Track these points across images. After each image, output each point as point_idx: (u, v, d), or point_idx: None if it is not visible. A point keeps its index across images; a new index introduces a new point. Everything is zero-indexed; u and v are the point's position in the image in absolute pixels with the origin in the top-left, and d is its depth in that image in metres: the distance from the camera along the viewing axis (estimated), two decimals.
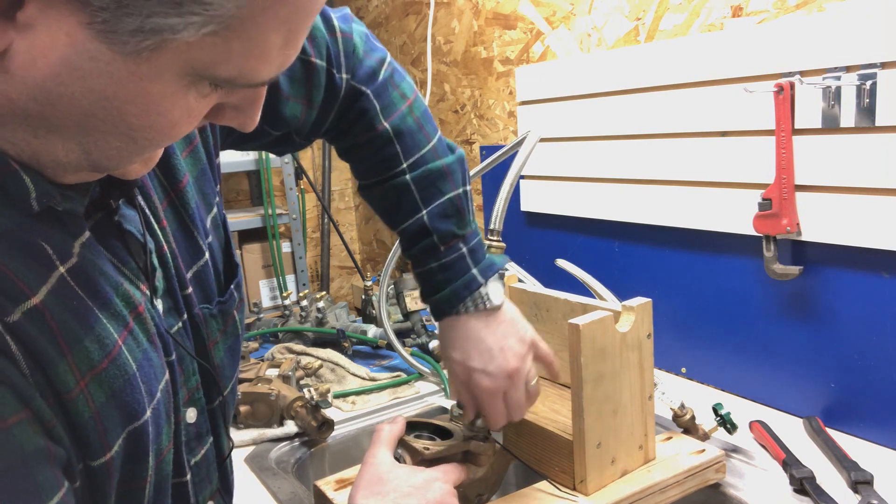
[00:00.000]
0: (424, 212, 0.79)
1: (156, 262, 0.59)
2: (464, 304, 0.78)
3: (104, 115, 0.42)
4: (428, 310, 0.84)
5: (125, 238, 0.56)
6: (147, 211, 0.60)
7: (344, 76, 0.76)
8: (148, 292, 0.57)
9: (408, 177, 0.80)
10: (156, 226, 0.60)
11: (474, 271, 0.78)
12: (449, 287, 0.78)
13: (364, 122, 0.79)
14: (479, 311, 0.78)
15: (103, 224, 0.55)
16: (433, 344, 1.47)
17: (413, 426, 0.85)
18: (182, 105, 0.44)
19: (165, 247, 0.61)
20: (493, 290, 0.79)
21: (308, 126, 0.78)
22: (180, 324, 0.62)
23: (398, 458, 0.78)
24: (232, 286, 0.69)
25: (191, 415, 0.63)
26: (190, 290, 0.64)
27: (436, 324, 0.83)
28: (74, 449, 0.49)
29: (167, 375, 0.57)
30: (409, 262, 0.83)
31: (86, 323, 0.49)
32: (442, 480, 0.72)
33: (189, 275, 0.64)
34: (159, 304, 0.59)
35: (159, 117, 0.44)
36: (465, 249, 0.79)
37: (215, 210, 0.69)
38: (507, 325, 0.79)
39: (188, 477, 0.63)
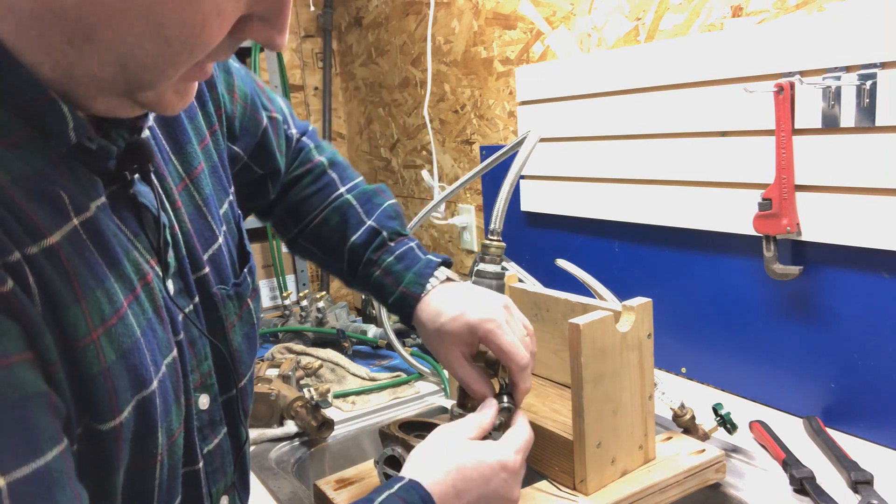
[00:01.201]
0: (370, 221, 0.88)
1: (168, 237, 0.60)
2: (430, 282, 0.82)
3: (136, 8, 0.43)
4: (397, 318, 0.86)
5: (139, 211, 0.57)
6: (161, 190, 0.61)
7: (293, 131, 0.90)
8: (157, 267, 0.57)
9: (348, 195, 0.90)
10: (169, 206, 0.61)
11: (428, 256, 0.85)
12: (411, 271, 0.83)
13: (302, 157, 0.91)
14: (445, 283, 0.83)
15: (118, 196, 0.55)
16: None
17: (413, 426, 0.85)
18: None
19: (177, 227, 0.62)
20: (450, 272, 0.84)
21: (280, 173, 0.87)
22: (191, 306, 0.62)
23: (398, 458, 0.78)
24: (245, 270, 0.71)
25: (203, 401, 0.63)
26: (207, 270, 0.65)
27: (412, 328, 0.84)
28: (78, 408, 0.48)
29: (174, 352, 0.57)
30: (360, 282, 0.87)
31: (96, 276, 0.49)
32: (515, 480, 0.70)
33: (205, 257, 0.65)
34: (170, 284, 0.59)
35: (191, 10, 0.44)
36: (412, 244, 0.87)
37: (227, 206, 0.71)
38: (476, 287, 0.83)
39: (200, 465, 0.62)
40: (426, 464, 0.66)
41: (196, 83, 0.53)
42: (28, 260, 0.44)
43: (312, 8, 2.46)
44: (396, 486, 0.61)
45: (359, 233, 0.87)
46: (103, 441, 0.50)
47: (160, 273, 0.58)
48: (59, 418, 0.45)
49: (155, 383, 0.53)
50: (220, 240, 0.68)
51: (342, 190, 0.91)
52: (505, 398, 0.76)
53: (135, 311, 0.53)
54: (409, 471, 0.65)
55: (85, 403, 0.48)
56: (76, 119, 0.48)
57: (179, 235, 0.62)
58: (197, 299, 0.63)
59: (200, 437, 0.63)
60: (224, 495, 0.68)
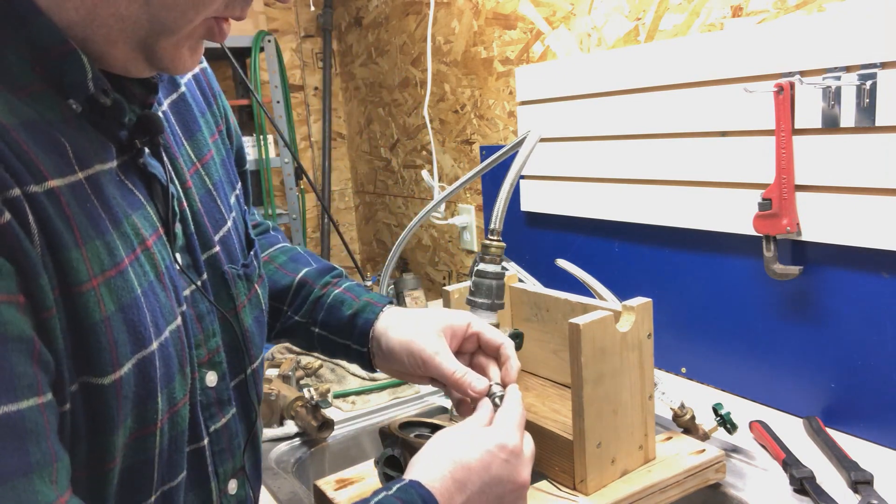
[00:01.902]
0: (321, 265, 0.88)
1: (176, 209, 0.60)
2: (388, 304, 0.83)
3: None
4: (355, 326, 0.82)
5: (149, 182, 0.58)
6: (172, 169, 0.62)
7: None
8: (164, 237, 0.58)
9: (297, 246, 0.92)
10: (179, 186, 0.62)
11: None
12: (372, 293, 0.84)
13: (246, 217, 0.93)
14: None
15: (128, 165, 0.56)
16: None
17: (412, 425, 0.84)
18: None
19: (186, 204, 0.63)
20: None
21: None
22: (199, 282, 0.63)
23: (398, 458, 0.78)
24: (251, 253, 0.72)
25: (211, 378, 0.63)
26: (217, 249, 0.65)
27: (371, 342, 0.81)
28: (76, 362, 0.47)
29: (178, 321, 0.57)
30: (310, 306, 0.85)
31: (97, 227, 0.50)
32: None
33: (216, 238, 0.66)
34: (178, 257, 0.60)
35: None
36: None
37: (234, 199, 0.73)
38: None
39: (205, 442, 0.62)
40: (423, 464, 0.64)
41: (203, 47, 0.55)
42: (29, 198, 0.44)
43: (312, 8, 2.46)
44: (395, 488, 0.60)
45: (311, 267, 0.87)
46: (103, 396, 0.49)
47: (166, 242, 0.58)
48: (44, 371, 0.44)
49: (155, 345, 0.53)
50: (230, 223, 0.69)
51: (288, 244, 0.92)
52: (494, 388, 0.73)
53: (136, 271, 0.53)
54: (408, 474, 0.64)
55: (84, 356, 0.47)
56: (94, 70, 0.49)
57: (188, 212, 0.63)
58: (205, 276, 0.64)
59: (207, 414, 0.63)
60: (233, 478, 0.67)
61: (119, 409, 0.50)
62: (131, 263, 0.52)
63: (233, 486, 0.67)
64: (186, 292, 0.61)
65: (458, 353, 0.76)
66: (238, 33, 2.20)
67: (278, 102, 2.27)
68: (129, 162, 0.56)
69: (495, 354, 0.77)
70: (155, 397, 0.53)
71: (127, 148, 0.56)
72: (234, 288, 0.67)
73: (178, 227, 0.61)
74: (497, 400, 0.71)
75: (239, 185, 0.75)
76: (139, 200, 0.56)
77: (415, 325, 0.77)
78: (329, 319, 0.83)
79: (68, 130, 0.49)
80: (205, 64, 0.74)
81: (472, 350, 0.79)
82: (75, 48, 0.48)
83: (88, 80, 0.49)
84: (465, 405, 0.75)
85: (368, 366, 0.82)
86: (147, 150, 0.58)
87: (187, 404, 0.58)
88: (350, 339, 0.81)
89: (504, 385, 0.74)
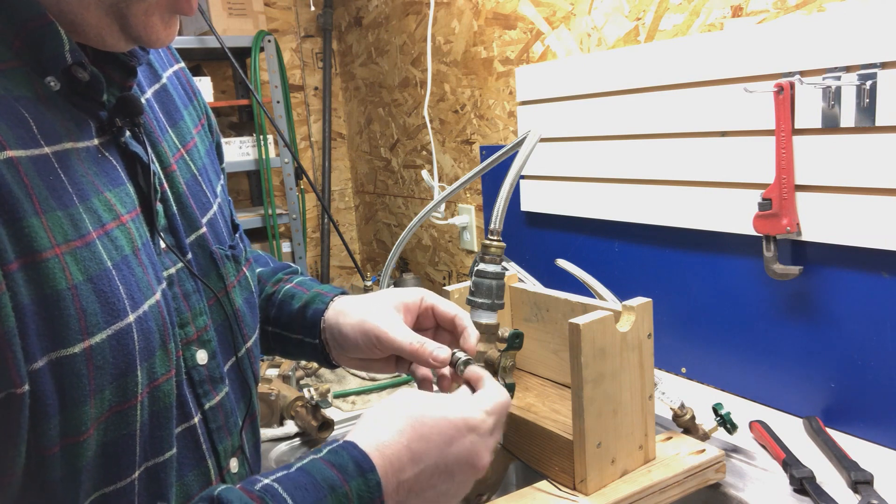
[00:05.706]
0: (277, 264, 0.91)
1: (157, 187, 0.60)
2: (340, 294, 0.81)
3: None
4: (307, 312, 0.80)
5: (131, 161, 0.58)
6: (154, 153, 0.62)
7: None
8: (141, 214, 0.58)
9: (257, 250, 0.96)
10: (161, 169, 0.63)
11: None
12: (323, 285, 0.83)
13: None
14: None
15: (110, 145, 0.57)
16: None
17: None
18: None
19: (167, 186, 0.63)
20: None
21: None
22: (181, 263, 0.62)
23: None
24: (237, 235, 0.72)
25: (201, 356, 0.63)
26: (205, 230, 0.66)
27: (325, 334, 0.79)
28: (41, 336, 0.46)
29: (158, 297, 0.57)
30: (262, 303, 0.84)
31: (60, 200, 0.49)
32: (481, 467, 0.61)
33: (203, 220, 0.66)
34: (162, 237, 0.60)
35: None
36: None
37: (219, 188, 0.73)
38: None
39: (196, 420, 0.61)
40: (374, 422, 0.57)
41: (177, 21, 0.56)
42: None
43: (312, 8, 2.46)
44: (326, 450, 0.54)
45: (267, 267, 0.88)
46: (74, 366, 0.48)
47: (144, 221, 0.58)
48: None
49: (132, 318, 0.52)
50: (215, 208, 0.69)
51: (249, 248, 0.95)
52: (458, 354, 0.68)
53: (105, 245, 0.52)
54: (354, 433, 0.56)
55: (50, 328, 0.46)
56: (72, 42, 0.50)
57: (171, 194, 0.63)
58: (190, 256, 0.63)
59: (201, 391, 0.63)
60: (233, 457, 0.66)
61: (91, 379, 0.49)
62: (100, 237, 0.52)
63: (234, 464, 0.67)
64: (172, 270, 0.60)
65: (417, 331, 0.72)
66: (238, 33, 2.20)
67: (278, 102, 2.27)
68: (111, 141, 0.57)
69: (451, 327, 0.74)
70: (134, 371, 0.52)
71: (107, 128, 0.56)
72: (223, 268, 0.67)
73: (159, 206, 0.60)
74: (461, 366, 0.66)
75: (222, 177, 0.76)
76: (120, 177, 0.56)
77: (365, 306, 0.74)
78: (280, 315, 0.82)
79: (37, 107, 0.49)
80: (182, 63, 0.75)
81: (431, 327, 0.76)
82: (52, 20, 0.49)
83: (66, 51, 0.49)
84: (428, 383, 0.73)
85: (327, 361, 0.79)
86: (128, 132, 0.58)
87: (172, 380, 0.57)
88: (301, 332, 0.79)
89: (467, 353, 0.69)
